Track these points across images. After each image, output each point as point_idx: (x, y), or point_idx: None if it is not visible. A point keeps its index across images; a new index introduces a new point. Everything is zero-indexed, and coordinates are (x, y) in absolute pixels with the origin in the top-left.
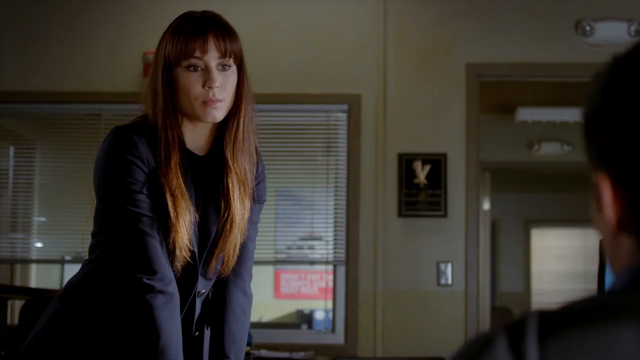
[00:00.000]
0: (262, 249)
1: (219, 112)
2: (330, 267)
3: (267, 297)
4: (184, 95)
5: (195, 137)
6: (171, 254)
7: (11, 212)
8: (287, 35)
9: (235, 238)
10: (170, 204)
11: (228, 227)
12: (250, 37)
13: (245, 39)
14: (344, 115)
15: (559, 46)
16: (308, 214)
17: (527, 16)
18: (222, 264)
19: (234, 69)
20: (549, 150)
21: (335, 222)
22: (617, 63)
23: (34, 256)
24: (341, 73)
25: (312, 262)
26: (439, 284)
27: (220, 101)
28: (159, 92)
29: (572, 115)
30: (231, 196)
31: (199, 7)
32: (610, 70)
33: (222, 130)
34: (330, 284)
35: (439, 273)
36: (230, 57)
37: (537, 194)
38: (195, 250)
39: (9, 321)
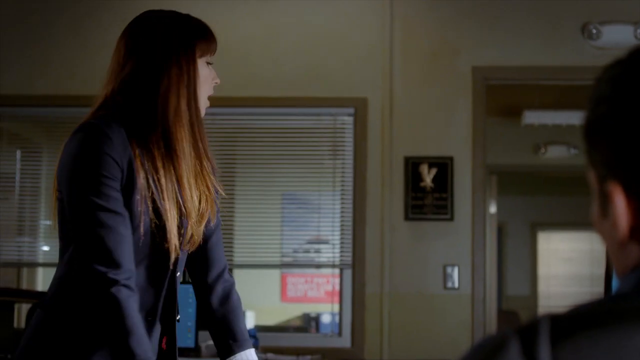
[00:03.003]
0: (268, 252)
1: None
2: (336, 271)
3: (273, 301)
4: (203, 85)
5: None
6: (160, 242)
7: (18, 216)
8: (293, 39)
9: (208, 215)
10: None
11: (205, 206)
12: (256, 40)
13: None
14: (350, 119)
15: (565, 49)
16: (314, 217)
17: (534, 19)
18: (190, 241)
19: None
20: (555, 153)
21: (341, 225)
22: (621, 69)
23: (40, 260)
24: (347, 76)
25: (319, 266)
26: (445, 287)
27: None
28: (192, 77)
29: (579, 118)
30: (206, 176)
31: (209, 12)
32: (615, 76)
33: None
34: (337, 288)
35: (446, 276)
36: None
37: (543, 197)
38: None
39: (15, 324)
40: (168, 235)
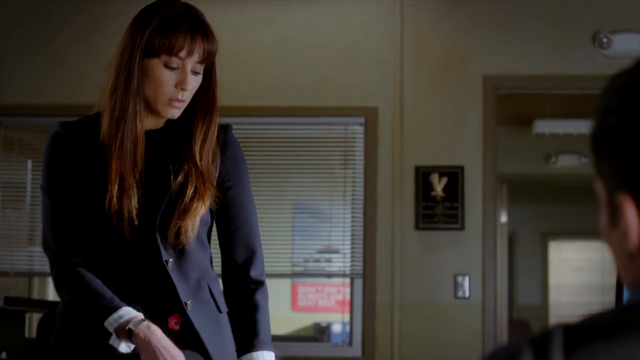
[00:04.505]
0: (279, 261)
1: (179, 112)
2: (347, 280)
3: (284, 310)
4: (152, 87)
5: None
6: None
7: (29, 226)
8: (304, 48)
9: (195, 212)
10: (115, 186)
11: (188, 200)
12: (267, 50)
13: (263, 52)
14: (361, 128)
15: (576, 58)
16: (325, 226)
17: (544, 28)
18: (180, 234)
19: (201, 74)
20: (566, 162)
21: (352, 234)
22: (630, 79)
23: None
24: (358, 86)
25: (330, 275)
26: (456, 296)
27: (184, 102)
28: (134, 75)
29: (590, 127)
30: (190, 180)
31: (220, 21)
32: (623, 87)
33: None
34: (348, 297)
35: (456, 286)
36: (205, 62)
37: (554, 206)
38: (135, 219)
39: (27, 334)
40: (123, 225)
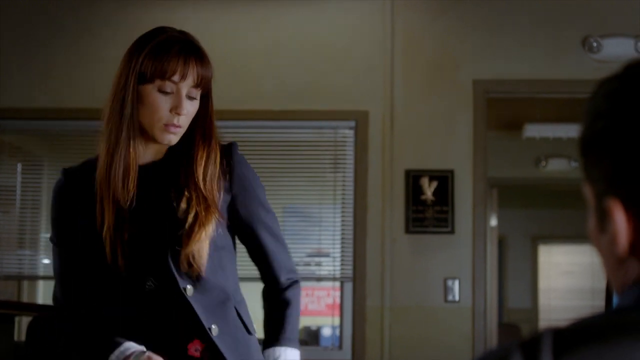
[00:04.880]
0: None
1: (176, 137)
2: (337, 284)
3: None
4: (147, 113)
5: (141, 151)
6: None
7: (19, 229)
8: (294, 52)
9: (198, 236)
10: (111, 215)
11: (189, 226)
12: (257, 54)
13: (253, 56)
14: (351, 132)
15: (566, 62)
16: (315, 230)
17: (534, 33)
18: (190, 262)
19: (198, 99)
20: (556, 166)
21: (342, 238)
22: (619, 84)
23: (41, 273)
24: (348, 90)
25: (319, 279)
26: (446, 300)
27: (181, 127)
28: (127, 102)
29: (578, 131)
30: (191, 206)
31: (210, 25)
32: (612, 91)
33: (173, 146)
34: (338, 301)
35: (446, 289)
36: (200, 87)
37: (544, 210)
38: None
39: (16, 337)
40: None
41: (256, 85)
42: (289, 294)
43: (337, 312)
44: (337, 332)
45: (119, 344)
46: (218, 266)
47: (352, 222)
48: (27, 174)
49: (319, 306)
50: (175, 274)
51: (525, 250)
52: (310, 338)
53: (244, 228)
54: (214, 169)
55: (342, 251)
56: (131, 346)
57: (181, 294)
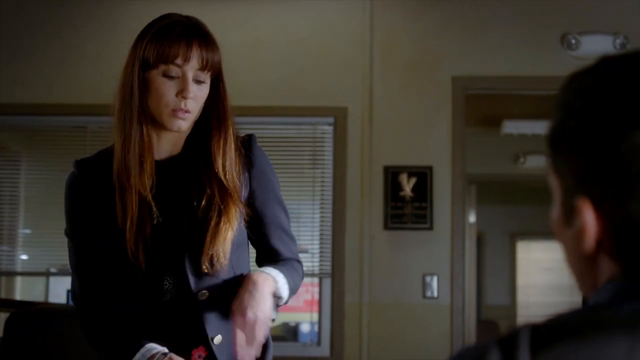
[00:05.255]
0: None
1: (186, 123)
2: (316, 280)
3: None
4: (154, 99)
5: (155, 140)
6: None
7: None
8: (273, 48)
9: (224, 236)
10: (128, 207)
11: (214, 225)
12: (237, 50)
13: (233, 52)
14: (330, 128)
15: (544, 59)
16: (294, 226)
17: (513, 30)
18: (213, 262)
19: (207, 84)
20: (534, 163)
21: (321, 234)
22: (591, 80)
23: (19, 268)
24: (327, 86)
25: None
26: (424, 296)
27: (190, 112)
28: (134, 90)
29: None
30: (214, 203)
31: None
32: (585, 87)
33: (190, 139)
34: (316, 297)
35: (425, 286)
36: (208, 70)
37: (522, 206)
38: (144, 252)
39: None
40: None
41: (235, 81)
42: (292, 262)
43: (315, 308)
44: (316, 328)
45: (142, 345)
46: (237, 267)
47: (331, 218)
48: (5, 170)
49: (298, 302)
50: (190, 277)
51: (503, 246)
52: (289, 334)
53: (257, 223)
54: (233, 157)
55: (321, 247)
56: (154, 347)
57: (194, 299)
